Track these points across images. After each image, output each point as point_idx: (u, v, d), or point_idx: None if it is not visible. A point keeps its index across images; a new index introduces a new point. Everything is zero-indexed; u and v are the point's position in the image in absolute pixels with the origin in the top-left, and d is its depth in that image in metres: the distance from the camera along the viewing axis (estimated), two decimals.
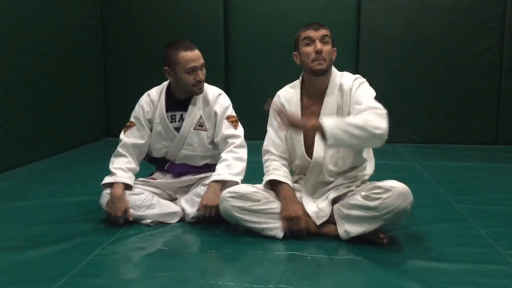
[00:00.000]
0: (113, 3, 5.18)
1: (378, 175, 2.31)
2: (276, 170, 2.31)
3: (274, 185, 2.29)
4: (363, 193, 2.10)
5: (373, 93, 2.21)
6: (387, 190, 2.02)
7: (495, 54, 4.77)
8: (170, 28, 5.02)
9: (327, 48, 2.23)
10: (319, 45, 2.20)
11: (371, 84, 2.29)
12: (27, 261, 1.96)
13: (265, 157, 2.41)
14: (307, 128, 2.08)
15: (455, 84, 4.87)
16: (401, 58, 4.90)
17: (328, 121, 1.99)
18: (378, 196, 2.03)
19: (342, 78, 2.30)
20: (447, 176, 3.47)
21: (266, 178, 2.30)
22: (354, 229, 2.09)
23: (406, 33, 4.86)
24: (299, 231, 2.18)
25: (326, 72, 2.26)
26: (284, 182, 2.26)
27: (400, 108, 4.87)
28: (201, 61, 2.44)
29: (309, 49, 2.22)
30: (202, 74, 2.44)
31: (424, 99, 4.93)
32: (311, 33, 2.23)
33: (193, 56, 2.40)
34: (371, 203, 2.04)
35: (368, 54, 4.94)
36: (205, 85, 2.57)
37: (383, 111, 2.04)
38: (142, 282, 1.79)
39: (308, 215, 2.20)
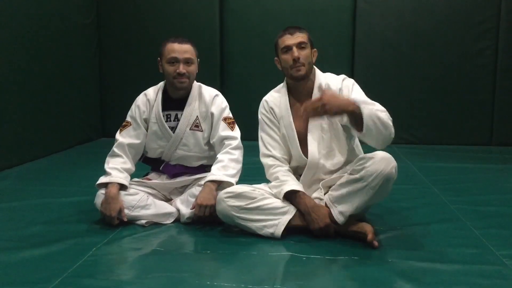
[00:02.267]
0: (109, 3, 5.17)
1: None
2: (285, 177, 2.26)
3: (288, 194, 2.23)
4: (349, 171, 2.15)
5: None
6: (369, 158, 2.07)
7: (490, 56, 4.79)
8: (166, 29, 5.00)
9: (304, 53, 2.24)
10: (295, 52, 2.22)
11: (366, 85, 2.31)
12: (21, 261, 1.95)
13: (267, 162, 2.36)
14: (348, 110, 1.95)
15: (450, 85, 4.89)
16: (396, 59, 4.92)
17: (365, 109, 1.94)
18: (362, 166, 2.07)
19: (326, 79, 2.33)
20: (442, 177, 3.49)
21: (281, 189, 2.22)
22: (347, 208, 2.11)
23: (402, 34, 4.88)
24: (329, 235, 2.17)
25: (306, 77, 2.29)
26: (299, 191, 2.21)
27: (395, 109, 4.79)
28: (186, 55, 2.42)
29: (287, 56, 2.25)
30: (184, 68, 2.42)
31: (419, 100, 4.94)
32: (288, 40, 2.24)
33: (177, 47, 2.40)
34: (357, 175, 2.08)
35: (364, 55, 4.95)
36: (202, 86, 2.57)
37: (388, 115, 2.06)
38: (137, 283, 1.78)
39: (330, 214, 2.16)
